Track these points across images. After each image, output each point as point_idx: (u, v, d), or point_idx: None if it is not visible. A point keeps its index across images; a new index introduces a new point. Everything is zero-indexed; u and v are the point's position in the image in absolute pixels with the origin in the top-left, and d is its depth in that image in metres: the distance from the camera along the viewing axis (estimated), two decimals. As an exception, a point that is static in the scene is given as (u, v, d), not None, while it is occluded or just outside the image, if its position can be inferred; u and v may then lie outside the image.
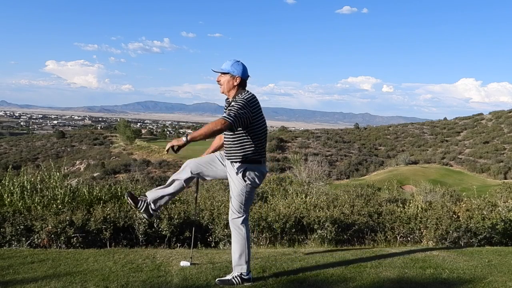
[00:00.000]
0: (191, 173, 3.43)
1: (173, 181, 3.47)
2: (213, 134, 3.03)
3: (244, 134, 3.23)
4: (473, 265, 4.02)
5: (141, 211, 3.52)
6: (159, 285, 3.20)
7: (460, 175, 51.73)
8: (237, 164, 3.25)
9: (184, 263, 3.69)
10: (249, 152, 3.24)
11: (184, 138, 3.02)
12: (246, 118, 3.11)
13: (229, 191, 3.38)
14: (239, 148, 3.24)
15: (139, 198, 3.53)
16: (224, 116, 3.04)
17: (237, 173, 3.24)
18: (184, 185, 3.46)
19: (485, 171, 54.23)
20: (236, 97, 3.24)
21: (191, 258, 3.77)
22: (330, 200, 7.02)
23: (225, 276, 3.33)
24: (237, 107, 3.10)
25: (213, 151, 3.63)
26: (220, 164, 3.45)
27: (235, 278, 3.25)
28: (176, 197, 6.16)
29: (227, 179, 3.40)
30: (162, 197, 3.49)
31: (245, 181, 3.23)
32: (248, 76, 3.35)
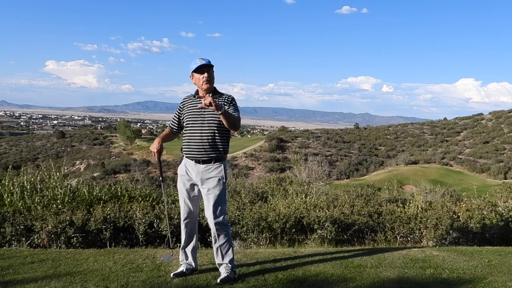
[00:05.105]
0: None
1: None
2: (233, 125, 3.07)
3: (228, 131, 3.24)
4: (473, 265, 4.02)
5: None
6: (159, 285, 3.20)
7: (460, 175, 51.72)
8: (220, 162, 3.21)
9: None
10: (227, 148, 3.30)
11: (221, 108, 2.95)
12: None
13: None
14: (225, 144, 3.24)
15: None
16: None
17: (222, 171, 3.20)
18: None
19: (485, 171, 54.20)
20: (223, 94, 3.26)
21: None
22: (330, 200, 7.02)
23: (221, 276, 3.29)
24: (236, 108, 3.22)
25: (162, 140, 3.38)
26: (193, 187, 3.30)
27: (231, 273, 3.28)
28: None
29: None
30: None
31: (226, 177, 3.25)
32: None
